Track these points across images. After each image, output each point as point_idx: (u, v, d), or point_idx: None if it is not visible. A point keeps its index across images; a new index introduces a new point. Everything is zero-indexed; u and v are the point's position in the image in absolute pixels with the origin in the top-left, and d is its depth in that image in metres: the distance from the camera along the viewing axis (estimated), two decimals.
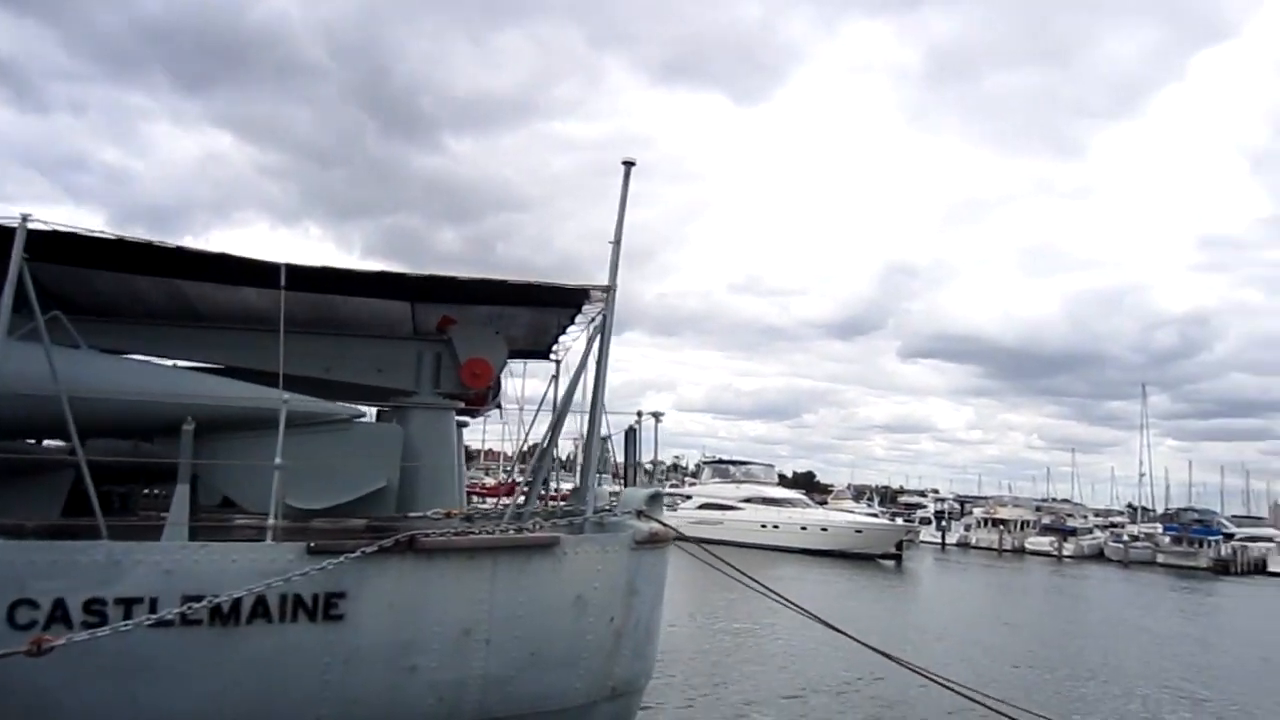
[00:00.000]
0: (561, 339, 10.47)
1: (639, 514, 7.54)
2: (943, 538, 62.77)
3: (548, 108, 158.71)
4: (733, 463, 56.01)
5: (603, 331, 9.78)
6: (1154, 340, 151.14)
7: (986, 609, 31.77)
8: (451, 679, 6.54)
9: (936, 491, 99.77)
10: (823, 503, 76.25)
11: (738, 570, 8.10)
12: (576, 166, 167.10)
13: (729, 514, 48.85)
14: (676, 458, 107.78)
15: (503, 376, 10.78)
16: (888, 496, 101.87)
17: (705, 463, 57.03)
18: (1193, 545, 56.61)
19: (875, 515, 63.75)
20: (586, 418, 8.22)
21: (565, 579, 6.94)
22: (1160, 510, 72.02)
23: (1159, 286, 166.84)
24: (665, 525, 7.66)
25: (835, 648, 13.11)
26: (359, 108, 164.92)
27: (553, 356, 10.72)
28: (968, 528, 65.14)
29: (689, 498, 53.58)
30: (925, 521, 66.84)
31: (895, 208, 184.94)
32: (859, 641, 7.74)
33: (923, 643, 20.40)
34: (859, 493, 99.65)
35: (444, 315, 8.56)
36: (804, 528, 46.79)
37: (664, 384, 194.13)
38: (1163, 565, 55.34)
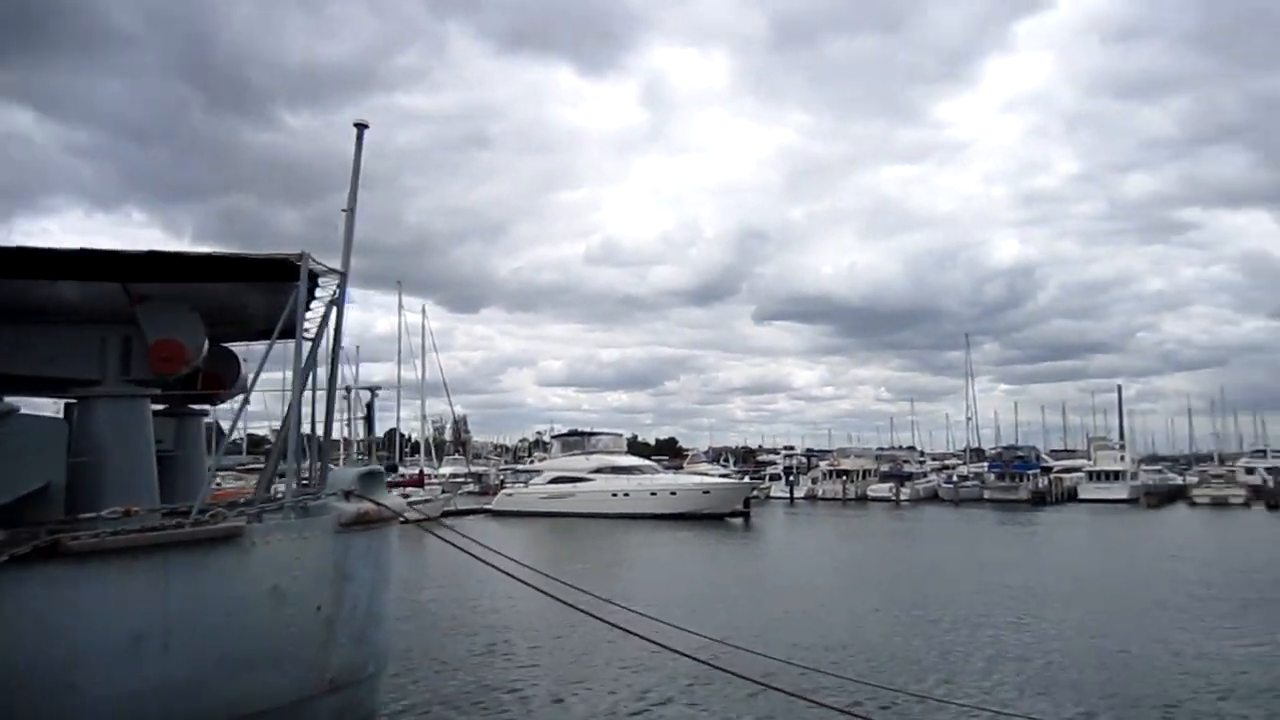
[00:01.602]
0: (310, 316, 9.82)
1: (349, 494, 7.06)
2: (791, 492, 64.92)
3: (389, 79, 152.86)
4: (581, 434, 55.96)
5: (338, 306, 9.24)
6: (985, 293, 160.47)
7: (816, 554, 33.06)
8: (123, 692, 5.94)
9: (792, 448, 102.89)
10: (679, 467, 77.76)
11: (494, 553, 7.68)
12: (424, 140, 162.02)
13: (580, 486, 48.90)
14: (539, 434, 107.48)
15: (243, 360, 10.08)
16: (743, 456, 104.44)
17: (554, 437, 56.78)
18: (1014, 480, 60.70)
19: (727, 475, 65.36)
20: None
21: (255, 571, 6.42)
22: (991, 450, 76.83)
23: (988, 242, 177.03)
24: (381, 505, 7.22)
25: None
26: (181, 80, 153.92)
27: (304, 335, 10.04)
28: (814, 481, 67.61)
29: (539, 473, 53.30)
30: (775, 478, 68.96)
31: (745, 174, 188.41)
32: (563, 601, 7.52)
33: (712, 597, 20.82)
34: (716, 455, 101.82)
35: (139, 294, 7.76)
36: (654, 494, 47.28)
37: (525, 360, 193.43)
38: (989, 500, 59.06)
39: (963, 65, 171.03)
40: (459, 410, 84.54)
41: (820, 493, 65.36)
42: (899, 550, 34.91)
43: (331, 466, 8.39)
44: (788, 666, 11.16)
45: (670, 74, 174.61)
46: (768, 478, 69.29)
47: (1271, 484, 58.28)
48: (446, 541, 8.16)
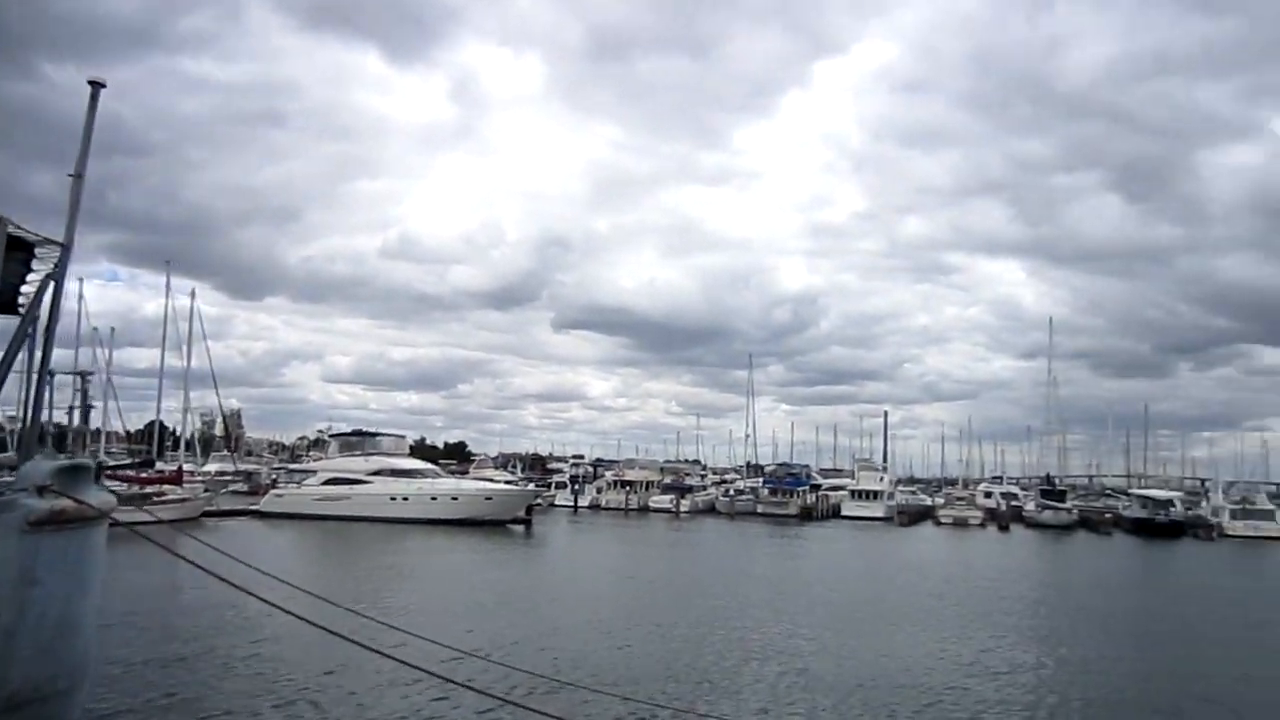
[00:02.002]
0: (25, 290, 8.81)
1: (42, 490, 6.35)
2: (575, 501, 65.36)
3: (175, 41, 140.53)
4: (362, 434, 53.78)
5: (56, 281, 8.39)
6: (773, 316, 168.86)
7: (591, 563, 33.46)
8: None
9: (581, 457, 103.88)
10: (465, 472, 76.56)
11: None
12: (210, 111, 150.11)
13: (357, 488, 46.95)
14: (320, 431, 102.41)
15: None
16: (532, 464, 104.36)
17: (331, 436, 54.14)
18: (786, 496, 64.17)
19: (512, 482, 65.03)
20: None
21: None
22: (769, 467, 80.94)
23: (779, 268, 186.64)
24: (83, 503, 6.54)
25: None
26: None
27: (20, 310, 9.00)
28: (599, 490, 68.53)
29: (313, 474, 50.78)
30: (561, 486, 69.22)
31: (552, 181, 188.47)
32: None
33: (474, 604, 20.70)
34: (505, 461, 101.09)
35: None
36: (434, 498, 46.17)
37: (310, 354, 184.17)
38: (762, 515, 62.02)
39: (764, 97, 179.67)
40: (233, 404, 79.43)
41: (604, 502, 66.31)
42: (670, 561, 35.90)
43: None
44: (541, 680, 11.16)
45: (482, 72, 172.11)
46: (553, 486, 69.49)
47: (1003, 507, 64.94)
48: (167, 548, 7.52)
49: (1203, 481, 77.46)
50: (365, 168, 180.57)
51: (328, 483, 48.01)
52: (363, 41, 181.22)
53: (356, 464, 48.65)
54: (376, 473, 47.57)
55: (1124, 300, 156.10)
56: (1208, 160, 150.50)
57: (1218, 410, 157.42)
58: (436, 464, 67.01)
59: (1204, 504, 61.94)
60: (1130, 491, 71.23)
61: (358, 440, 52.58)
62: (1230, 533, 53.21)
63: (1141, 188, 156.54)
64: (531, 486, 59.48)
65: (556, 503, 66.13)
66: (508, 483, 62.65)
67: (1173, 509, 57.93)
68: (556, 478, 73.72)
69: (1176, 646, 18.62)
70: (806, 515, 61.41)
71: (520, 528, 46.18)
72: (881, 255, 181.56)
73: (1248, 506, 56.08)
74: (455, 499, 46.31)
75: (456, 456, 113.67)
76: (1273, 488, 75.98)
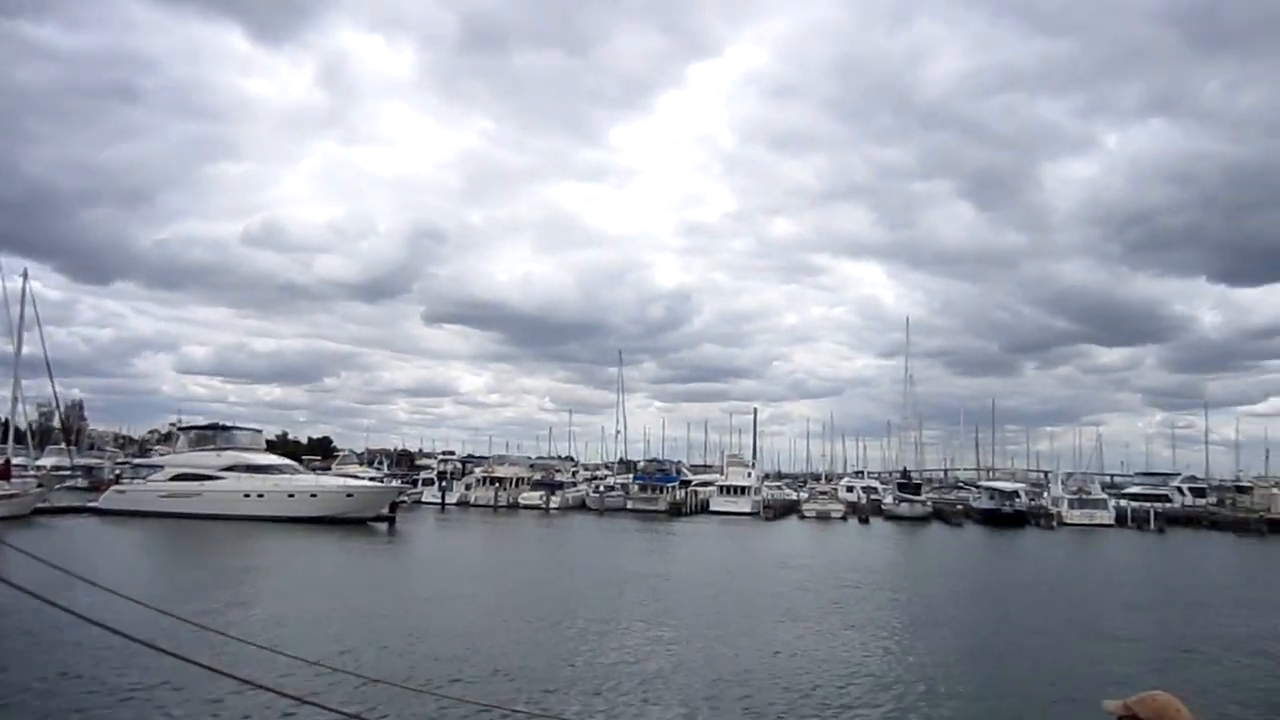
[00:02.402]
0: None
1: None
2: (443, 497, 63.90)
3: (11, 3, 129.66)
4: (215, 428, 50.87)
5: None
6: (648, 313, 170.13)
7: (455, 561, 32.42)
8: None
9: (452, 453, 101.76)
10: (327, 468, 73.76)
11: None
12: (52, 82, 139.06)
13: (208, 484, 44.46)
14: (173, 424, 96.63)
15: None
16: (399, 460, 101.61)
17: (181, 429, 50.97)
18: (655, 492, 64.56)
19: (378, 479, 63.05)
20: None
21: None
22: (641, 463, 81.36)
23: (654, 265, 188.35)
24: None
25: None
26: None
27: None
28: (468, 487, 67.20)
29: (161, 469, 47.73)
30: (429, 483, 67.57)
31: (425, 172, 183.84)
32: None
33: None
34: (371, 457, 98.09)
35: None
36: (292, 495, 44.13)
37: (164, 343, 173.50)
38: (631, 511, 62.17)
39: (641, 96, 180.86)
40: (74, 394, 73.72)
41: (473, 499, 65.03)
42: (539, 559, 35.50)
43: None
44: (398, 691, 10.59)
45: (353, 58, 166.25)
46: (420, 482, 67.75)
47: (864, 501, 67.34)
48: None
49: (1045, 474, 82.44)
50: (227, 150, 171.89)
51: (176, 478, 45.25)
52: (225, 18, 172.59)
53: (208, 459, 46.02)
54: (230, 468, 45.11)
55: (975, 302, 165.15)
56: (1049, 171, 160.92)
57: (1060, 406, 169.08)
58: (300, 460, 64.27)
59: (1045, 495, 65.95)
60: (979, 484, 75.23)
61: (210, 434, 49.75)
62: (1068, 521, 56.80)
63: (990, 196, 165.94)
64: (396, 483, 57.67)
65: (424, 500, 64.53)
66: (372, 479, 60.68)
67: (1017, 500, 61.39)
68: (424, 474, 71.86)
69: (1014, 631, 19.57)
70: (676, 511, 61.94)
71: (383, 526, 44.69)
72: (752, 255, 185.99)
73: (1083, 496, 59.99)
74: (314, 496, 44.40)
75: (321, 452, 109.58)
76: (1106, 478, 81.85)
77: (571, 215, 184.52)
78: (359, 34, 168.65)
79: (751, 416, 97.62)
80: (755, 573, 30.73)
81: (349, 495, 45.24)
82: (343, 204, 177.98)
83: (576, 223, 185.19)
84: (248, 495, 43.73)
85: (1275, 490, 57.76)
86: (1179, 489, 70.07)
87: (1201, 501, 66.24)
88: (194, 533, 37.62)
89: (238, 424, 54.72)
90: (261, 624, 16.53)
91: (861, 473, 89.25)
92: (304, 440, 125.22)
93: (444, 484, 66.06)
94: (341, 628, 16.88)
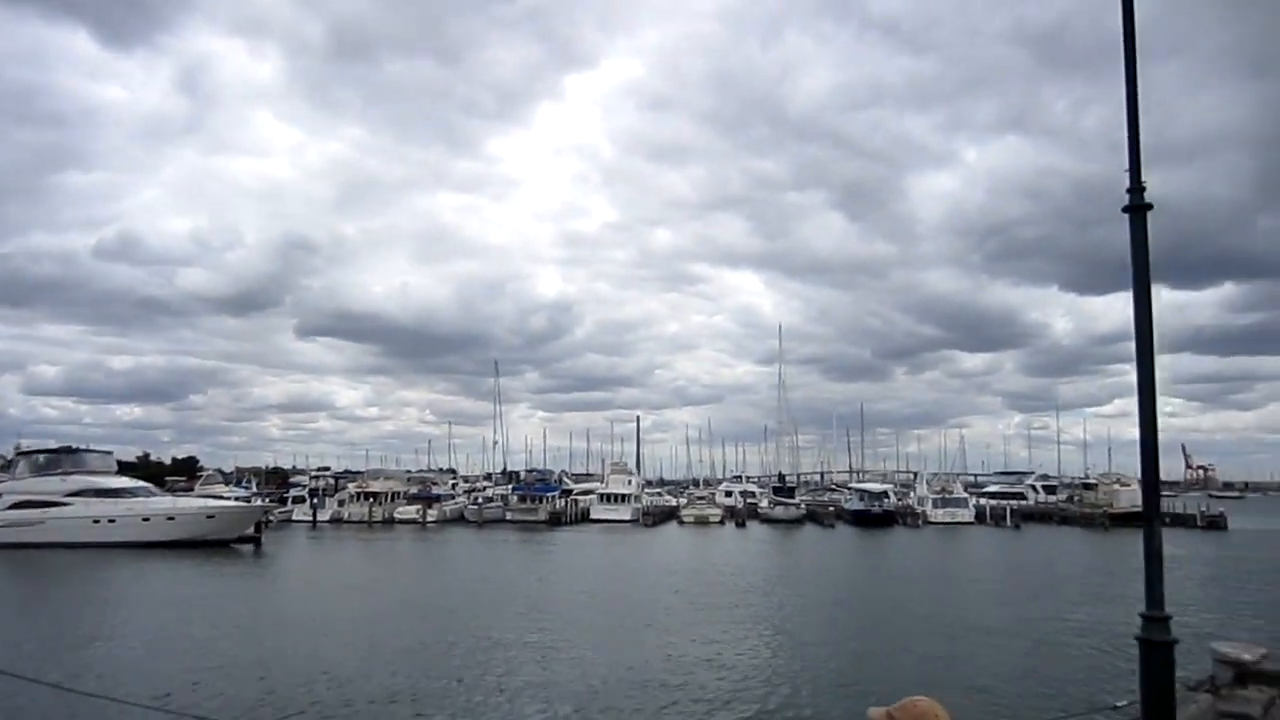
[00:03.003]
0: None
1: None
2: (314, 515, 61.76)
3: None
4: (60, 451, 47.62)
5: None
6: (529, 324, 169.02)
7: (321, 581, 31.19)
8: None
9: (327, 469, 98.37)
10: (190, 489, 70.14)
11: None
12: None
13: (51, 511, 41.72)
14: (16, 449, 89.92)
15: None
16: (270, 478, 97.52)
17: (20, 454, 47.51)
18: (535, 502, 64.11)
19: (244, 498, 60.44)
20: None
21: None
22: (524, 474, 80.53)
23: (534, 276, 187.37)
24: None
25: None
26: None
27: None
28: (341, 503, 65.16)
29: None
30: (299, 500, 65.16)
31: (294, 182, 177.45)
32: None
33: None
34: (241, 475, 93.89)
35: None
36: (147, 519, 41.83)
37: (9, 363, 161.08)
38: (511, 522, 61.57)
39: (518, 106, 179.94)
40: None
41: (347, 515, 63.09)
42: (413, 575, 34.72)
43: None
44: None
45: (214, 63, 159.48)
46: (290, 500, 65.28)
47: (741, 505, 68.61)
48: None
49: (914, 475, 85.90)
50: (75, 159, 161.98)
51: (15, 506, 42.27)
52: (70, 19, 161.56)
53: (51, 484, 43.16)
54: (77, 493, 42.43)
55: (848, 310, 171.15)
56: (915, 184, 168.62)
57: (927, 409, 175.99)
58: (162, 481, 60.99)
59: (912, 495, 68.71)
60: (850, 486, 77.76)
61: (56, 458, 46.53)
62: (933, 520, 59.35)
63: (860, 207, 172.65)
64: (259, 502, 55.32)
65: (294, 518, 62.21)
66: (237, 499, 58.04)
67: (886, 500, 63.76)
68: (294, 491, 69.18)
69: (875, 625, 20.33)
70: (556, 521, 61.66)
71: (249, 547, 42.87)
72: (633, 265, 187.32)
73: (946, 496, 62.83)
74: (171, 519, 42.22)
75: (186, 473, 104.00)
76: (970, 478, 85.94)
77: (449, 226, 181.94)
78: (219, 39, 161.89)
79: (635, 425, 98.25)
80: (631, 580, 30.85)
81: (209, 516, 43.13)
82: (206, 215, 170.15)
83: (454, 234, 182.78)
84: (97, 521, 41.31)
85: (1117, 486, 61.78)
86: (1033, 487, 74.24)
87: (1053, 498, 70.36)
88: (34, 564, 35.21)
89: (89, 446, 51.51)
90: (94, 664, 15.53)
91: (740, 477, 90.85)
92: (168, 461, 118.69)
93: (315, 501, 63.85)
94: (185, 662, 15.99)
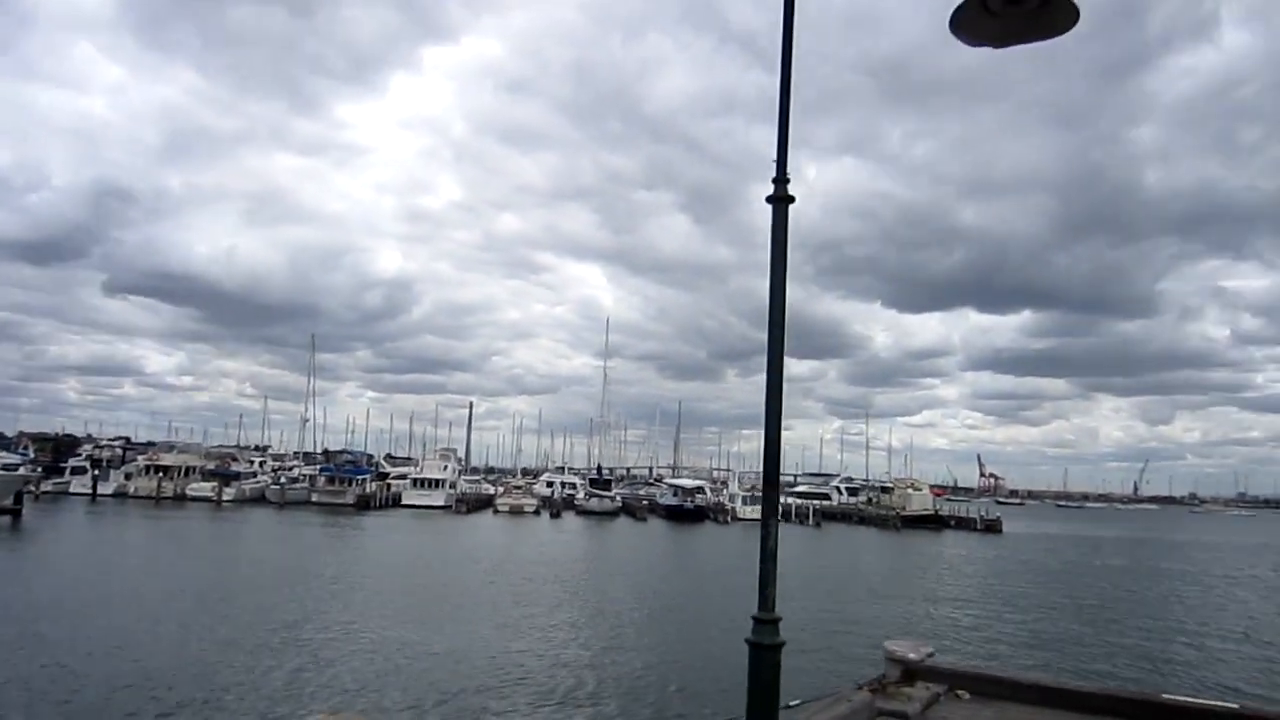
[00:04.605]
0: None
1: None
2: (94, 487, 57.13)
3: None
4: None
5: None
6: (364, 299, 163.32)
7: (94, 561, 28.53)
8: None
9: (127, 439, 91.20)
10: None
11: None
12: None
13: None
14: None
15: None
16: (60, 445, 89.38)
17: None
18: (343, 484, 61.77)
19: (13, 467, 55.10)
20: None
21: None
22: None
23: (373, 250, 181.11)
24: None
25: None
26: None
27: None
28: (128, 476, 60.60)
29: None
30: (79, 471, 60.11)
31: (114, 124, 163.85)
32: None
33: None
34: (19, 441, 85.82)
35: None
36: None
37: None
38: (316, 504, 59.13)
39: (370, 72, 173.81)
40: None
41: (133, 490, 58.79)
42: (187, 555, 32.42)
43: None
44: None
45: None
46: (70, 471, 60.11)
47: (558, 496, 68.58)
48: None
49: (728, 473, 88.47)
50: None
51: None
52: None
53: None
54: None
55: (688, 310, 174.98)
56: (757, 194, 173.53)
57: (756, 411, 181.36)
58: None
59: (724, 492, 70.74)
60: (665, 481, 79.28)
61: None
62: (741, 516, 61.30)
63: (706, 211, 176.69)
64: (22, 471, 50.49)
65: (73, 490, 57.37)
66: (6, 467, 52.78)
67: (700, 496, 65.31)
68: (74, 461, 63.69)
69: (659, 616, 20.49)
70: (365, 504, 59.62)
71: (5, 519, 38.99)
72: (477, 248, 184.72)
73: (755, 494, 64.92)
74: None
75: None
76: (789, 478, 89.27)
77: (285, 189, 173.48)
78: None
79: (468, 410, 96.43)
80: (425, 569, 29.94)
81: None
82: (7, 149, 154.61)
83: (290, 197, 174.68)
84: None
85: (910, 490, 65.87)
86: (838, 489, 78.02)
87: (855, 500, 74.18)
88: None
89: None
90: None
91: (563, 468, 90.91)
92: None
93: (97, 473, 59.05)
94: None
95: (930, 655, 7.48)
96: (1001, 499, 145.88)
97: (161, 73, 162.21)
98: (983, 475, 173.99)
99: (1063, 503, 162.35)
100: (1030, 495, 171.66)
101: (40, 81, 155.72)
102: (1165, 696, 7.13)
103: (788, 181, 4.80)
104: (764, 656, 4.43)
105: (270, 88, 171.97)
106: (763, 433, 4.74)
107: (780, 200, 4.79)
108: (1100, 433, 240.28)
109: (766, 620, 4.45)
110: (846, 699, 6.63)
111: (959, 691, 7.35)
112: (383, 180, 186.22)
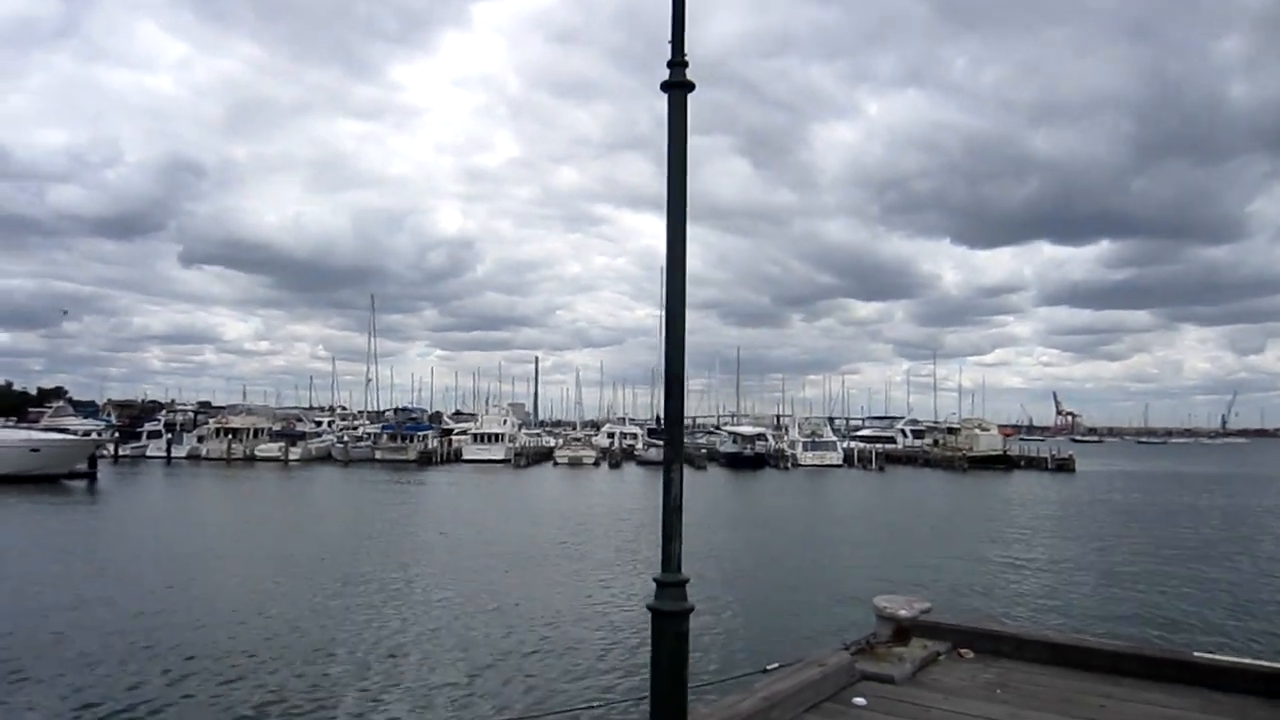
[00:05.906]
0: None
1: None
2: (168, 450, 59.01)
3: None
4: None
5: None
6: (428, 260, 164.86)
7: (157, 523, 29.15)
8: None
9: (208, 404, 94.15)
10: (37, 420, 66.09)
11: None
12: None
13: None
14: None
15: None
16: (144, 412, 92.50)
17: None
18: (405, 441, 62.67)
19: (98, 431, 57.33)
20: None
21: None
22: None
23: (435, 210, 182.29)
24: None
25: None
26: None
27: None
28: (200, 439, 62.42)
29: None
30: (155, 435, 62.11)
31: (181, 100, 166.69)
32: None
33: None
34: (113, 408, 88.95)
35: None
36: None
37: None
38: (380, 461, 60.09)
39: (421, 32, 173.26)
40: None
41: (205, 452, 60.52)
42: (258, 513, 33.07)
43: None
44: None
45: None
46: (146, 435, 62.14)
47: (616, 447, 68.57)
48: None
49: (789, 417, 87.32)
50: None
51: None
52: None
53: None
54: None
55: (748, 256, 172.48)
56: (818, 134, 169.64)
57: (822, 356, 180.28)
58: (24, 413, 57.06)
59: (785, 438, 69.79)
60: (723, 428, 78.58)
61: None
62: (802, 462, 60.42)
63: (765, 155, 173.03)
64: (94, 435, 52.18)
65: (149, 454, 59.33)
66: (84, 433, 54.79)
67: (760, 443, 64.49)
68: (149, 425, 65.79)
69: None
70: (427, 460, 60.42)
71: (81, 483, 40.39)
72: (536, 203, 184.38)
73: (815, 439, 63.98)
74: None
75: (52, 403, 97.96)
76: (859, 422, 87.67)
77: (346, 154, 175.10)
78: None
79: (534, 365, 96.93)
80: (491, 523, 29.73)
81: (34, 450, 40.38)
82: (83, 128, 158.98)
83: (352, 162, 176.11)
84: None
85: (978, 431, 63.98)
86: (902, 431, 76.34)
87: (920, 442, 72.51)
88: None
89: None
90: None
91: (624, 419, 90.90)
92: (34, 391, 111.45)
93: (171, 437, 60.94)
94: None
95: (925, 611, 6.72)
96: (1078, 437, 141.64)
97: (221, 46, 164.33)
98: (1059, 413, 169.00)
99: (1145, 439, 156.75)
100: (1111, 432, 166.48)
101: (108, 61, 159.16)
102: (1197, 655, 6.26)
103: (685, 65, 4.04)
104: (667, 624, 3.78)
105: (325, 54, 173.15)
106: (664, 367, 4.05)
107: (678, 86, 4.05)
108: (1185, 365, 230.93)
109: (670, 583, 3.79)
110: (819, 663, 5.94)
111: (962, 650, 6.59)
112: (441, 140, 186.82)
